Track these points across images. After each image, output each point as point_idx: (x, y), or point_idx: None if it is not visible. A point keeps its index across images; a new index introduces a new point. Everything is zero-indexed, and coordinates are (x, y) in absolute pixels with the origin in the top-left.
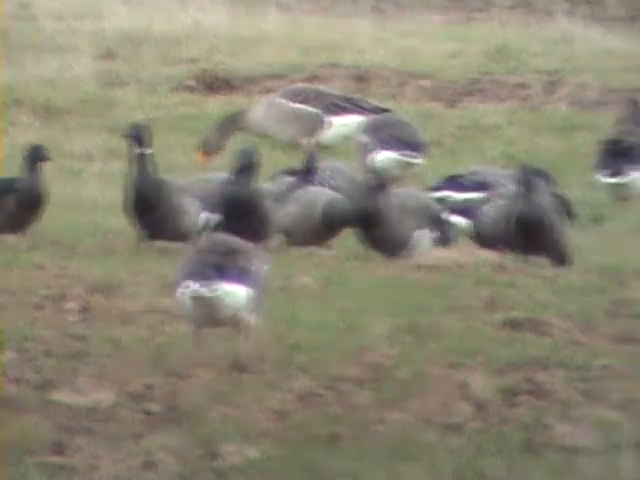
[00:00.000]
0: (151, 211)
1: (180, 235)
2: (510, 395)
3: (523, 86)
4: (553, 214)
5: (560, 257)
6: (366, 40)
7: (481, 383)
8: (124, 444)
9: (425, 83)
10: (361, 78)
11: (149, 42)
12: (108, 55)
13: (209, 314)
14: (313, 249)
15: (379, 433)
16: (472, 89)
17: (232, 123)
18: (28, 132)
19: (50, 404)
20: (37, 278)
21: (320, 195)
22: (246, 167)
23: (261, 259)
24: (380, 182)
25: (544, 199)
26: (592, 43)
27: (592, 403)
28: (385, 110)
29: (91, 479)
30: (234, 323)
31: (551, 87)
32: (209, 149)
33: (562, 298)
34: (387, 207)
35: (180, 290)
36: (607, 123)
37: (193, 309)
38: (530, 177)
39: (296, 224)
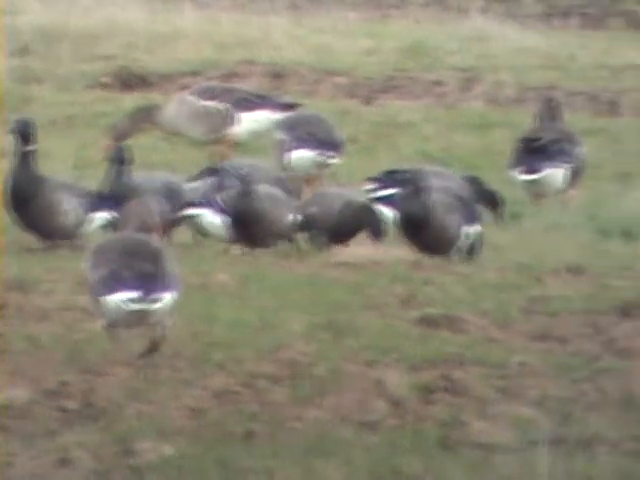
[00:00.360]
0: (25, 207)
1: (55, 233)
2: (426, 392)
3: (439, 83)
4: (442, 213)
5: (443, 252)
6: (282, 37)
7: (397, 380)
8: (39, 441)
9: (341, 80)
10: (277, 75)
11: (65, 38)
12: (23, 51)
13: (140, 321)
14: (228, 246)
15: (295, 430)
16: (388, 86)
17: (146, 116)
18: None
19: None
20: None
21: (339, 196)
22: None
23: (173, 257)
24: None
25: (437, 197)
26: (508, 40)
27: (508, 400)
28: (295, 106)
29: (6, 476)
30: (155, 324)
31: (467, 84)
32: (117, 135)
33: (478, 295)
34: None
35: (115, 299)
36: (523, 120)
37: (125, 316)
38: (420, 176)
39: (315, 224)
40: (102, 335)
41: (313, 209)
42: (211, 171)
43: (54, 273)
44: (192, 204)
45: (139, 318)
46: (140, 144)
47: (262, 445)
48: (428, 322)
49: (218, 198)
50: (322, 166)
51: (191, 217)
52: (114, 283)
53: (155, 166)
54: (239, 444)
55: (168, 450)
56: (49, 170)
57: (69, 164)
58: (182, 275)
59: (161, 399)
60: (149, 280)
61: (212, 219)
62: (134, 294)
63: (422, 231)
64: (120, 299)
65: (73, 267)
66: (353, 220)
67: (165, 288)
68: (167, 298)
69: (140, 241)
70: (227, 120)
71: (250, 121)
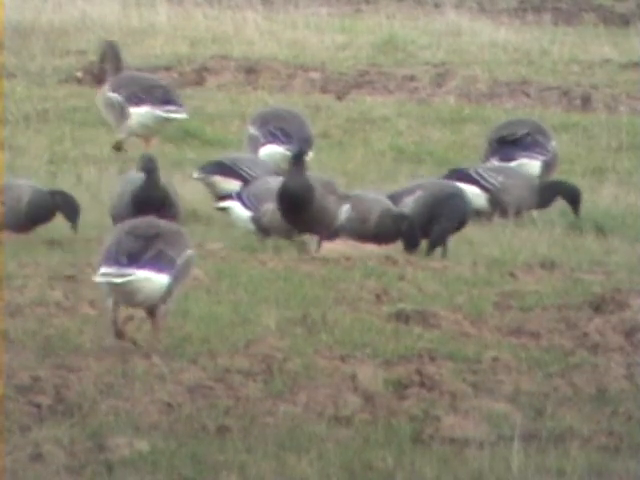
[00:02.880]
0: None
1: None
2: (399, 387)
3: (411, 78)
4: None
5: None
6: (255, 32)
7: (370, 375)
8: (12, 437)
9: (314, 75)
10: (250, 70)
11: (37, 33)
12: None
13: (125, 299)
14: (203, 241)
15: (268, 425)
16: (361, 81)
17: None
18: None
19: None
20: None
21: (376, 204)
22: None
23: (186, 243)
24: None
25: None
26: (480, 35)
27: (481, 395)
28: (175, 102)
29: None
30: (150, 309)
31: (439, 79)
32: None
33: (451, 290)
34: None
35: (96, 275)
36: (495, 115)
37: (109, 293)
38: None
39: (277, 222)
40: (75, 330)
41: (350, 212)
42: (222, 166)
43: (27, 268)
44: (226, 196)
45: (121, 295)
46: (114, 139)
47: (235, 440)
48: (401, 317)
49: (245, 193)
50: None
51: (223, 209)
52: (101, 258)
53: (128, 161)
54: (212, 439)
55: (142, 445)
56: (24, 165)
57: (44, 159)
58: (192, 262)
59: (134, 394)
60: (127, 256)
61: (240, 213)
62: (107, 268)
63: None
64: (97, 274)
65: (46, 262)
66: (390, 229)
67: (148, 267)
68: (150, 278)
69: (148, 223)
70: (123, 113)
71: (138, 115)
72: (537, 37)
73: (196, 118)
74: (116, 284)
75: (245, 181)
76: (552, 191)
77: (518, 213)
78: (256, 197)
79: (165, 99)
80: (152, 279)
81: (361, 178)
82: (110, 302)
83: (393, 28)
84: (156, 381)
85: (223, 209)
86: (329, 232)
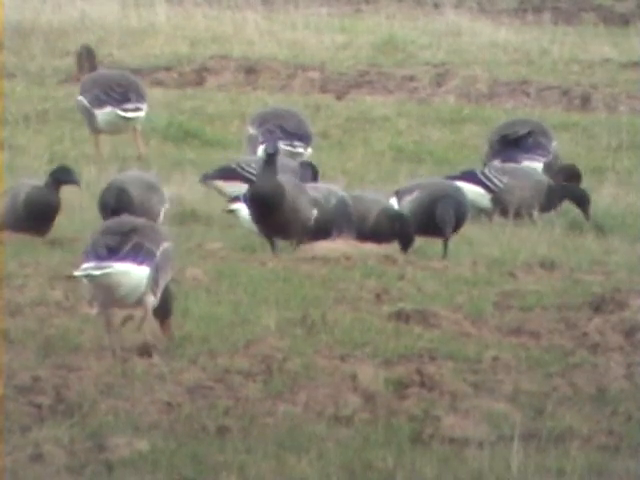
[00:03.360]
0: None
1: None
2: (399, 387)
3: (411, 78)
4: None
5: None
6: (255, 32)
7: (370, 375)
8: (11, 437)
9: (314, 75)
10: (250, 70)
11: (36, 33)
12: None
13: (106, 294)
14: (203, 241)
15: (268, 425)
16: (360, 81)
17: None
18: None
19: None
20: None
21: (374, 203)
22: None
23: (163, 236)
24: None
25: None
26: (480, 35)
27: (481, 395)
28: (130, 100)
29: None
30: (135, 303)
31: (439, 79)
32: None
33: (451, 290)
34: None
35: (80, 272)
36: (495, 115)
37: (91, 290)
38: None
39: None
40: (75, 330)
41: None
42: (229, 170)
43: (27, 267)
44: (236, 198)
45: (102, 290)
46: (114, 138)
47: (235, 440)
48: (401, 317)
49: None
50: (290, 156)
51: (232, 211)
52: (83, 257)
53: (128, 161)
54: (212, 439)
55: (142, 445)
56: (24, 165)
57: (44, 159)
58: (172, 254)
59: (134, 394)
60: (105, 250)
61: (246, 215)
62: (86, 263)
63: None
64: (81, 270)
65: (47, 261)
66: (387, 228)
67: (125, 259)
68: (128, 270)
69: (126, 220)
70: (90, 116)
71: (102, 116)
72: (537, 37)
73: (196, 118)
74: (95, 277)
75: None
76: (560, 195)
77: (519, 214)
78: None
79: (125, 98)
80: (131, 272)
81: (361, 178)
82: (96, 306)
83: (393, 28)
84: (156, 381)
85: (232, 211)
86: (302, 233)
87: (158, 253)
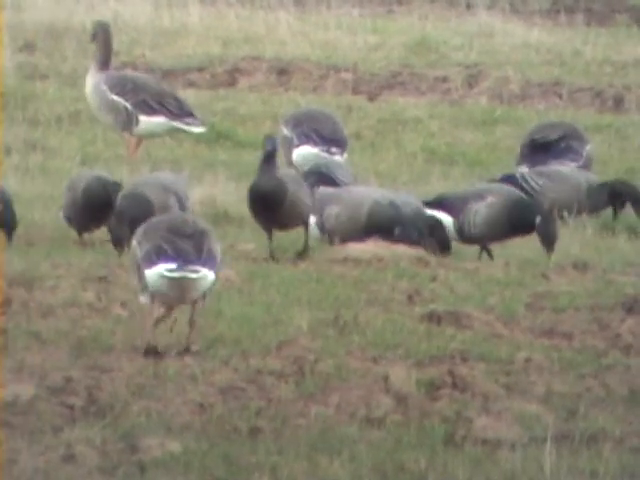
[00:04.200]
0: None
1: None
2: (431, 388)
3: (443, 79)
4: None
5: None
6: (287, 33)
7: (402, 376)
8: (44, 437)
9: (346, 76)
10: (282, 71)
11: (69, 34)
12: (28, 48)
13: (182, 294)
14: (235, 242)
15: (300, 426)
16: (393, 82)
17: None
18: None
19: None
20: None
21: (366, 196)
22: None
23: (217, 240)
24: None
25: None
26: (513, 36)
27: (513, 396)
28: (193, 115)
29: (10, 472)
30: (192, 304)
31: (471, 80)
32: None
33: (483, 291)
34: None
35: (159, 270)
36: (528, 116)
37: (165, 287)
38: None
39: (340, 225)
40: (107, 331)
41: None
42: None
43: (59, 269)
44: None
45: (179, 290)
46: (146, 140)
47: (267, 441)
48: (433, 318)
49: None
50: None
51: None
52: (156, 257)
53: (160, 162)
54: (244, 440)
55: (174, 446)
56: (56, 167)
57: (76, 160)
58: (223, 262)
59: (167, 395)
60: (188, 253)
61: None
62: (173, 265)
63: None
64: (160, 270)
65: (79, 262)
66: (382, 225)
67: (203, 263)
68: (204, 273)
69: (186, 220)
70: (131, 119)
71: (148, 124)
72: (569, 38)
73: (228, 119)
74: (186, 280)
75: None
76: (610, 194)
77: (561, 217)
78: (320, 201)
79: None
80: (208, 277)
81: (393, 179)
82: (149, 301)
83: (425, 29)
84: (188, 382)
85: None
86: (301, 224)
87: (219, 258)
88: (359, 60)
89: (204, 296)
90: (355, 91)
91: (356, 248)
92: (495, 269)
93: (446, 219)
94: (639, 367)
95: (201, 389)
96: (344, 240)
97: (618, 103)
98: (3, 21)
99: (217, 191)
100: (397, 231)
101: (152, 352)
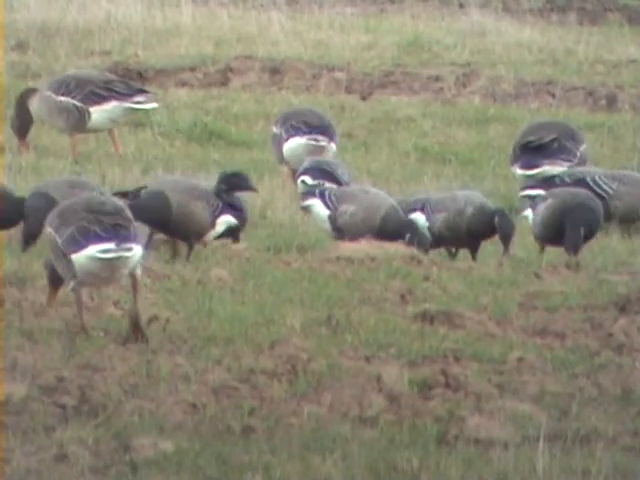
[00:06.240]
0: None
1: None
2: (424, 388)
3: (436, 79)
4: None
5: None
6: (280, 32)
7: (395, 376)
8: (36, 437)
9: (339, 75)
10: (275, 70)
11: (61, 34)
12: (20, 47)
13: (113, 274)
14: (227, 242)
15: (292, 426)
16: (385, 82)
17: (23, 107)
18: None
19: None
20: None
21: (383, 199)
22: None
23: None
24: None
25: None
26: (505, 36)
27: (506, 396)
28: (144, 91)
29: (2, 472)
30: (125, 280)
31: (464, 80)
32: (19, 134)
33: (476, 291)
34: None
35: (90, 252)
36: (521, 116)
37: (99, 269)
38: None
39: (354, 224)
40: (100, 330)
41: (352, 207)
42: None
43: None
44: (310, 194)
45: (111, 271)
46: (139, 139)
47: (260, 440)
48: (426, 318)
49: (327, 192)
50: (315, 151)
51: (308, 207)
52: (84, 239)
53: (152, 161)
54: (237, 439)
55: (166, 446)
56: (48, 166)
57: (69, 159)
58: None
59: (159, 395)
60: (119, 232)
61: (320, 211)
62: (108, 245)
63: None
64: (93, 252)
65: None
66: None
67: (134, 240)
68: (137, 250)
69: (101, 198)
70: (82, 115)
71: (101, 112)
72: (562, 37)
73: (221, 118)
74: (120, 259)
75: (340, 185)
76: None
77: (627, 220)
78: (337, 197)
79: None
80: (138, 252)
81: (385, 178)
82: (77, 287)
83: (418, 28)
84: (181, 381)
85: (306, 207)
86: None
87: (141, 233)
88: (352, 59)
89: (139, 267)
90: (348, 90)
91: (349, 247)
92: (488, 269)
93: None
94: (631, 366)
95: (194, 389)
96: (353, 239)
97: (611, 102)
98: None
99: None
100: (407, 238)
101: (85, 334)
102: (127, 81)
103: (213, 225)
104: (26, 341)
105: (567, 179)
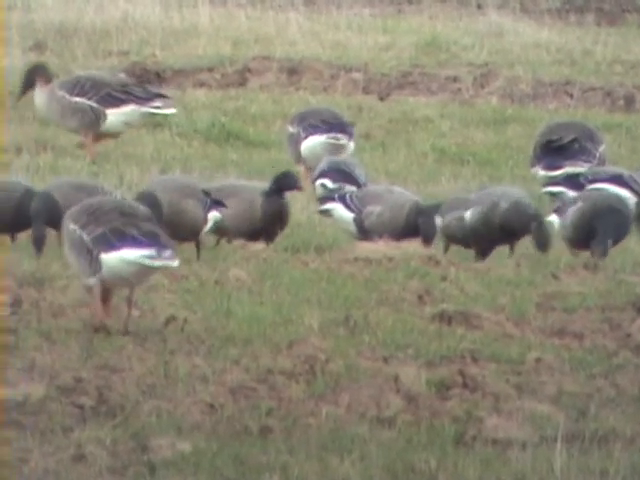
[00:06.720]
0: None
1: None
2: (441, 388)
3: (454, 79)
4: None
5: None
6: (298, 33)
7: (412, 376)
8: (54, 437)
9: (357, 76)
10: (293, 71)
11: (79, 34)
12: (38, 47)
13: (140, 279)
14: (245, 242)
15: (310, 426)
16: (403, 82)
17: (31, 83)
18: None
19: None
20: None
21: (407, 197)
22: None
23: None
24: None
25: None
26: (523, 36)
27: (524, 396)
28: (162, 95)
29: (20, 472)
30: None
31: (482, 80)
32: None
33: (494, 291)
34: None
35: (125, 254)
36: (538, 116)
37: (130, 273)
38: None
39: (381, 224)
40: (117, 331)
41: (378, 207)
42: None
43: (70, 269)
44: (329, 198)
45: (141, 276)
46: (157, 139)
47: (278, 441)
48: (444, 318)
49: (348, 195)
50: (334, 149)
51: (327, 211)
52: (118, 241)
53: (170, 162)
54: (255, 440)
55: (184, 446)
56: (66, 166)
57: (87, 159)
58: None
59: (177, 395)
60: (158, 240)
61: (343, 214)
62: (148, 251)
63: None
64: (131, 255)
65: None
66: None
67: (173, 248)
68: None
69: (129, 203)
70: (97, 117)
71: (117, 115)
72: (580, 37)
73: (239, 119)
74: (157, 268)
75: (358, 186)
76: None
77: None
78: (359, 199)
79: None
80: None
81: (403, 179)
82: (97, 283)
83: (436, 29)
84: (198, 382)
85: (325, 211)
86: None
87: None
88: (369, 60)
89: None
90: (365, 91)
91: (366, 248)
92: (506, 269)
93: None
94: None
95: (211, 389)
96: (380, 238)
97: (629, 102)
98: (13, 21)
99: None
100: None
101: (103, 330)
102: (144, 85)
103: (206, 221)
104: (44, 341)
105: (590, 177)
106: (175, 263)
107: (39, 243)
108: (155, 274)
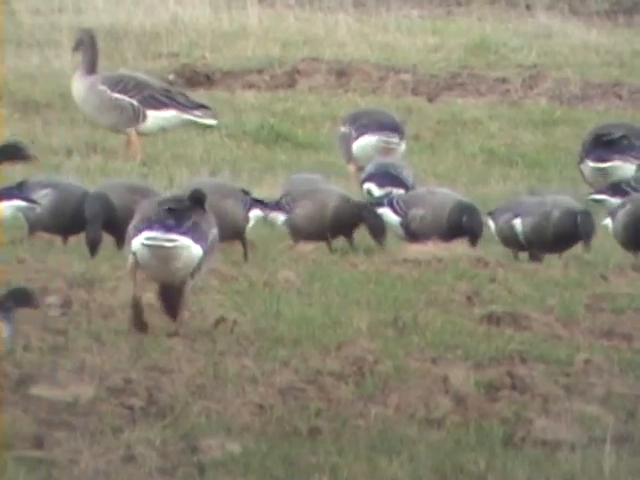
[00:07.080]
0: None
1: None
2: (490, 389)
3: (503, 81)
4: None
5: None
6: (347, 34)
7: (461, 377)
8: (104, 438)
9: (405, 77)
10: (342, 72)
11: (129, 36)
12: None
13: (160, 268)
14: (294, 244)
15: (359, 427)
16: (452, 84)
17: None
18: (7, 126)
19: (30, 398)
20: (18, 272)
21: (449, 198)
22: None
23: (213, 222)
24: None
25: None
26: (572, 37)
27: (573, 397)
28: (204, 107)
29: (71, 473)
30: (180, 281)
31: (531, 81)
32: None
33: (542, 292)
34: None
35: (138, 239)
36: (587, 117)
37: (147, 257)
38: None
39: (425, 226)
40: (167, 332)
41: (421, 210)
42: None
43: (119, 270)
44: (377, 203)
45: (158, 260)
46: (206, 141)
47: (327, 442)
48: (492, 319)
49: (395, 199)
50: (386, 149)
51: None
52: (142, 225)
53: (220, 163)
54: (304, 441)
55: (233, 447)
56: (116, 168)
57: (137, 161)
58: (215, 241)
59: (226, 396)
60: (167, 222)
61: (390, 218)
62: (153, 233)
63: None
64: (142, 238)
65: None
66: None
67: (183, 233)
68: (182, 243)
69: (180, 197)
70: (136, 115)
71: (157, 119)
72: (629, 39)
73: (287, 120)
74: (162, 248)
75: (406, 188)
76: None
77: None
78: (405, 203)
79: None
80: (191, 247)
81: (452, 181)
82: (132, 259)
83: (484, 30)
84: (248, 383)
85: None
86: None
87: (210, 236)
88: (418, 61)
89: (192, 275)
90: (414, 92)
91: (415, 249)
92: (554, 270)
93: None
94: None
95: (261, 390)
96: (427, 240)
97: None
98: (63, 23)
99: (277, 192)
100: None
101: (137, 307)
102: (186, 94)
103: (247, 220)
104: (94, 343)
105: (633, 183)
106: (168, 243)
107: (94, 245)
108: (172, 258)
